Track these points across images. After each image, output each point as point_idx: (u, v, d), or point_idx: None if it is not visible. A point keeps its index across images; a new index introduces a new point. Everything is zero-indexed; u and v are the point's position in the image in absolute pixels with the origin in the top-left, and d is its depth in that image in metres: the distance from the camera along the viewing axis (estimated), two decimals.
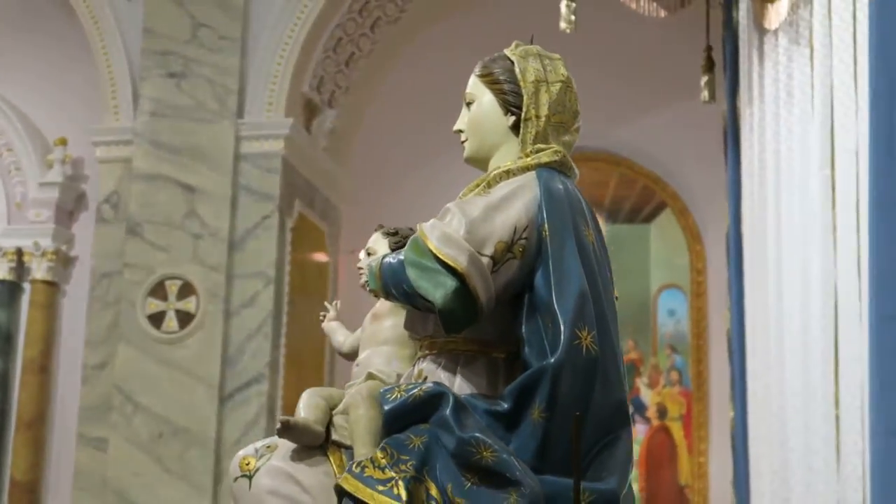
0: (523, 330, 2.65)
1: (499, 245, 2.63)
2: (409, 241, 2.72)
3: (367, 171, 9.34)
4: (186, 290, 7.70)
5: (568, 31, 5.72)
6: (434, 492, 2.56)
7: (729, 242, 6.28)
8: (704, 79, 6.36)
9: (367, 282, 2.91)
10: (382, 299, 2.98)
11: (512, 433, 2.60)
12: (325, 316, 3.35)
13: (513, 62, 2.84)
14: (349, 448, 2.83)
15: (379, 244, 3.14)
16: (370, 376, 2.94)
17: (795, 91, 5.22)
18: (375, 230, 3.23)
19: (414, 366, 2.82)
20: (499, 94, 2.83)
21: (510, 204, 2.68)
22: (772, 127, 5.48)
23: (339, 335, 3.26)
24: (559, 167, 2.78)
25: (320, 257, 8.72)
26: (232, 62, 7.92)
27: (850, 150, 4.59)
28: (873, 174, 4.24)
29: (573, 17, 5.76)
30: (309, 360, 8.37)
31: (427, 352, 2.77)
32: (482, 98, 2.86)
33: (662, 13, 6.34)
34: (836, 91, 4.72)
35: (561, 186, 2.73)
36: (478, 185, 2.80)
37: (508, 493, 2.52)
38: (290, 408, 8.22)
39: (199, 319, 7.65)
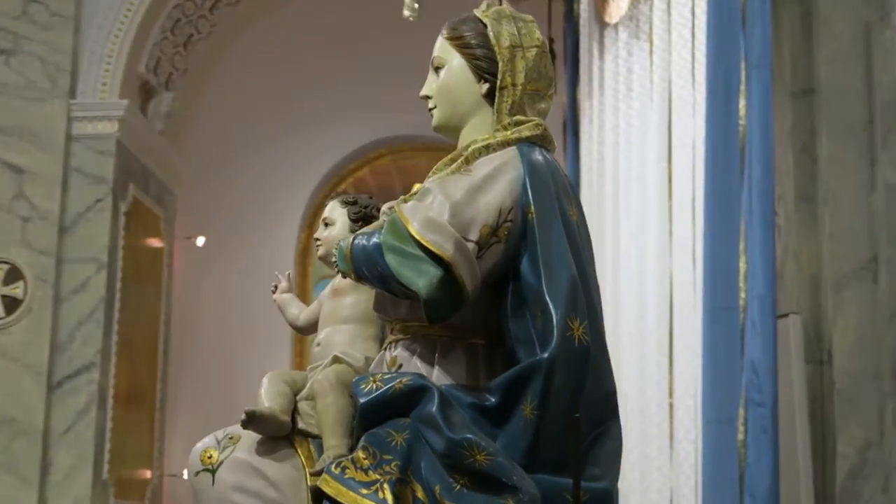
0: (509, 321, 2.49)
1: (483, 229, 2.45)
2: (387, 224, 2.50)
3: (205, 156, 9.19)
4: (14, 274, 7.46)
5: (411, 19, 5.71)
6: (420, 494, 2.40)
7: None
8: None
9: (335, 262, 2.67)
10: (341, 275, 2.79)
11: (500, 429, 2.44)
12: (275, 287, 3.12)
13: (485, 25, 2.66)
14: (317, 437, 2.67)
15: (336, 213, 2.95)
16: (336, 360, 2.75)
17: (635, 85, 5.32)
18: (331, 198, 3.03)
19: (385, 350, 2.65)
20: (471, 59, 2.65)
21: (493, 184, 2.49)
22: (611, 120, 5.58)
23: (293, 308, 3.05)
24: (540, 141, 2.61)
25: (155, 243, 8.55)
26: (64, 40, 7.69)
27: (688, 144, 4.71)
28: (710, 168, 4.37)
29: (416, 6, 5.74)
30: (142, 347, 8.21)
31: (400, 336, 2.61)
32: (452, 62, 2.67)
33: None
34: (675, 86, 4.83)
35: (544, 163, 2.56)
36: (453, 161, 2.60)
37: (504, 499, 2.35)
38: (122, 396, 8.03)
39: (26, 305, 7.42)
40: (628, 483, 5.15)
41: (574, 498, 2.30)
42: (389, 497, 2.33)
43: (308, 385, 2.73)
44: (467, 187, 2.47)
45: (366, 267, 2.51)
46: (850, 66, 5.29)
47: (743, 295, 4.28)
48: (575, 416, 2.34)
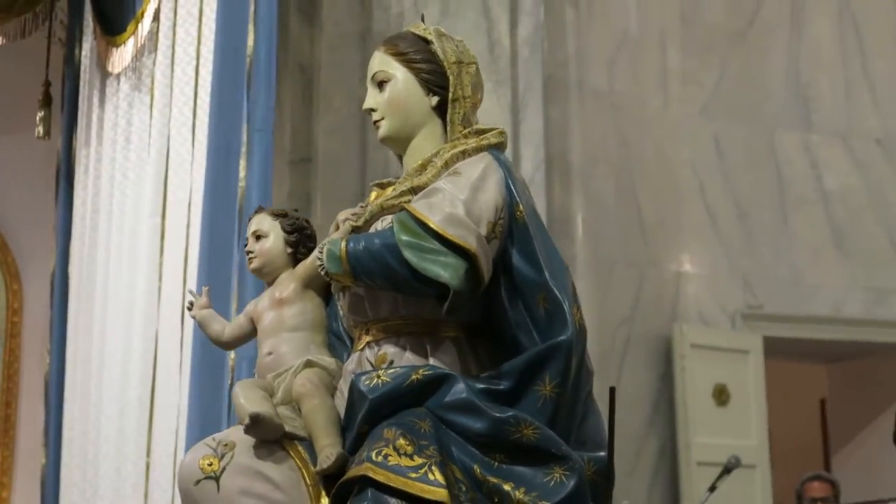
0: (508, 311, 2.62)
1: (488, 226, 2.59)
2: (396, 224, 2.57)
3: None
4: None
5: None
6: (459, 474, 2.48)
7: (54, 283, 6.14)
8: (40, 114, 6.20)
9: (321, 265, 2.66)
10: (282, 285, 2.85)
11: (512, 410, 2.56)
12: (191, 304, 3.06)
13: (428, 42, 2.77)
14: (304, 439, 2.66)
15: (267, 225, 2.92)
16: (309, 364, 2.74)
17: (133, 137, 5.27)
18: (256, 212, 3.02)
19: (360, 351, 2.70)
20: (418, 73, 2.76)
21: (486, 184, 2.63)
22: (108, 170, 5.48)
23: (216, 324, 3.00)
24: (503, 147, 2.78)
25: None
26: None
27: (183, 201, 4.70)
28: (206, 227, 4.39)
29: None
30: None
31: (381, 335, 2.68)
32: (398, 77, 2.77)
33: (0, 40, 6.13)
34: (174, 141, 4.83)
35: (512, 166, 2.74)
36: (424, 167, 2.72)
37: (550, 469, 2.50)
38: None
39: None
40: None
41: (609, 464, 2.57)
42: (440, 477, 2.41)
43: (281, 390, 2.73)
44: (469, 187, 2.61)
45: (373, 267, 2.58)
46: (348, 139, 5.55)
47: (233, 356, 4.30)
48: (612, 387, 2.58)
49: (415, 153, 2.79)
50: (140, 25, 5.21)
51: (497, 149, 2.76)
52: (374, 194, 2.91)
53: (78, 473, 5.48)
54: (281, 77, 5.59)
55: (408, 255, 2.54)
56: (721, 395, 7.28)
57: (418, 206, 2.60)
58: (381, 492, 2.43)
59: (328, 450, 2.59)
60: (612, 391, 2.57)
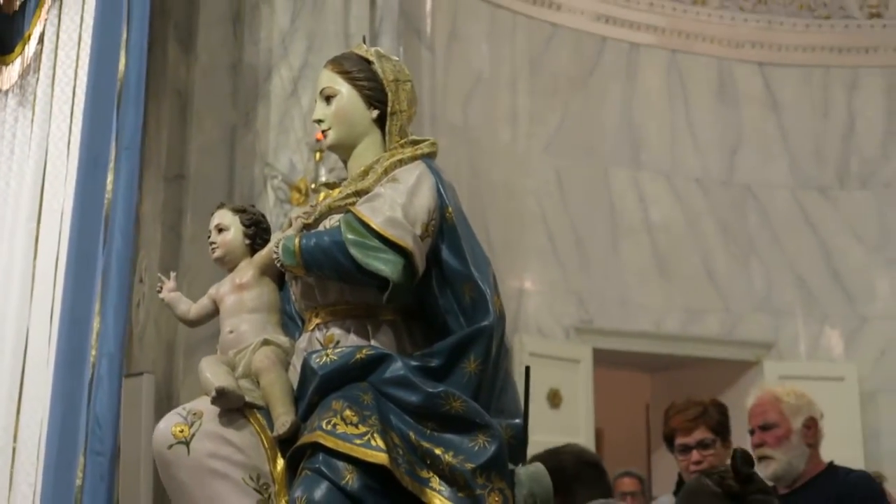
0: (438, 298, 2.72)
1: (422, 227, 2.68)
2: (343, 224, 2.68)
3: None
4: None
5: None
6: (397, 440, 2.57)
7: None
8: None
9: (277, 258, 2.77)
10: (242, 271, 2.92)
11: (441, 384, 2.64)
12: (161, 286, 3.12)
13: (369, 62, 2.85)
14: (262, 408, 2.73)
15: (228, 219, 3.00)
16: (266, 342, 2.82)
17: (17, 149, 5.09)
18: (218, 207, 3.08)
19: (311, 332, 2.79)
20: (361, 90, 2.83)
21: (420, 189, 2.72)
22: None
23: (183, 305, 3.05)
24: (433, 156, 2.84)
25: None
26: None
27: (57, 210, 4.59)
28: (75, 234, 4.28)
29: None
30: None
31: (328, 318, 2.77)
32: (343, 92, 2.84)
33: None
34: (51, 155, 4.71)
35: (442, 173, 2.81)
36: (366, 173, 2.79)
37: (475, 435, 2.58)
38: None
39: None
40: None
41: (524, 429, 2.69)
42: (381, 443, 2.51)
43: (242, 365, 2.80)
44: (406, 192, 2.69)
45: (323, 260, 2.68)
46: (217, 159, 5.47)
47: (94, 352, 4.18)
48: (527, 366, 2.71)
49: (358, 159, 2.86)
50: (26, 47, 5.06)
51: (429, 157, 2.84)
52: (322, 195, 2.98)
53: None
54: (158, 100, 5.49)
55: (353, 251, 2.64)
56: (555, 399, 7.33)
57: (362, 208, 2.69)
58: (331, 456, 2.53)
59: (283, 417, 2.66)
60: (528, 370, 2.71)
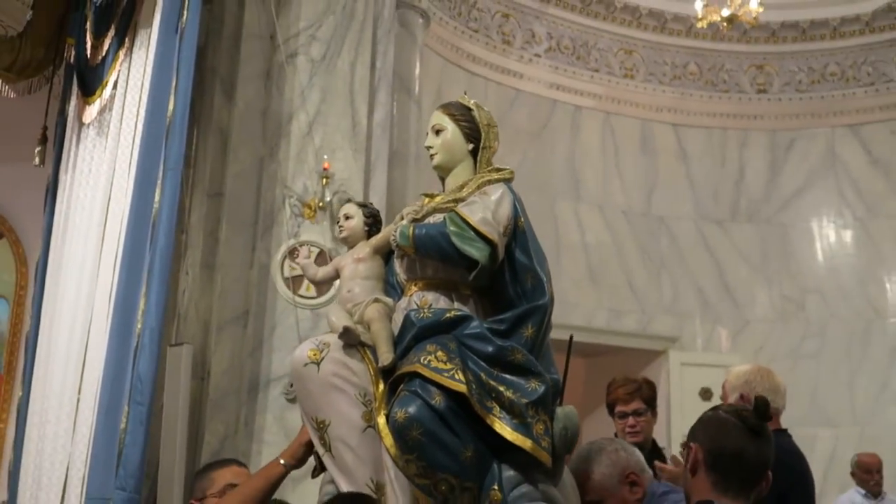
0: (508, 284, 2.78)
1: (504, 228, 2.77)
2: (448, 221, 2.77)
3: None
4: None
5: None
6: (472, 378, 2.62)
7: (38, 268, 5.85)
8: (39, 149, 5.93)
9: (394, 239, 2.85)
10: (360, 248, 3.01)
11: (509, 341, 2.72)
12: (298, 254, 3.27)
13: (469, 108, 2.98)
14: (370, 346, 2.81)
15: (353, 210, 3.10)
16: (376, 300, 2.89)
17: (94, 168, 5.06)
18: (348, 202, 3.24)
19: (410, 296, 2.85)
20: (463, 128, 2.95)
21: (503, 203, 2.82)
22: (77, 191, 5.24)
23: (312, 269, 3.17)
24: (511, 180, 2.94)
25: None
26: None
27: (119, 215, 4.54)
28: (130, 235, 4.24)
29: None
30: None
31: (424, 288, 2.84)
32: (449, 128, 2.96)
33: (13, 94, 5.85)
34: (117, 174, 4.66)
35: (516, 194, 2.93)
36: (461, 188, 2.89)
37: (529, 380, 2.65)
38: None
39: None
40: (41, 459, 4.75)
41: (563, 384, 2.76)
42: (462, 377, 2.58)
43: (357, 315, 2.86)
44: (493, 203, 2.80)
45: (430, 245, 2.77)
46: (248, 182, 5.38)
47: (139, 326, 4.12)
48: (571, 335, 2.86)
49: (455, 178, 2.96)
50: (104, 90, 5.02)
51: (509, 181, 2.94)
52: (425, 199, 3.04)
53: (39, 403, 5.18)
54: (206, 136, 5.42)
55: (455, 239, 2.75)
56: None
57: (463, 210, 2.80)
58: (426, 382, 2.59)
59: (386, 354, 2.74)
60: (571, 337, 2.87)
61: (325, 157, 5.33)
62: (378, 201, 5.49)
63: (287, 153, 5.34)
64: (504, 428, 2.60)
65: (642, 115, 8.15)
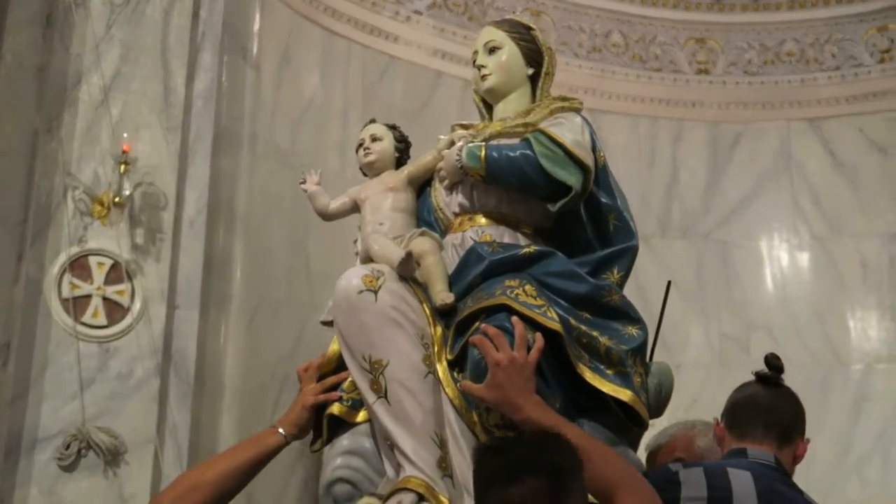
0: (587, 225, 3.14)
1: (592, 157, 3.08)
2: (534, 140, 3.05)
3: None
4: None
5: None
6: (558, 318, 2.84)
7: None
8: None
9: (458, 160, 3.10)
10: (392, 176, 3.28)
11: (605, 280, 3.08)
12: (304, 180, 3.45)
13: (529, 28, 3.33)
14: (420, 284, 3.03)
15: (382, 132, 3.38)
16: (424, 233, 3.11)
17: None
18: (371, 122, 3.46)
19: (463, 232, 3.14)
20: (524, 48, 3.28)
21: (585, 131, 3.12)
22: None
23: (323, 199, 3.37)
24: (581, 110, 3.26)
25: None
26: None
27: None
28: None
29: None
30: None
31: (483, 222, 3.13)
32: (508, 47, 3.28)
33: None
34: None
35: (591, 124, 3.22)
36: (528, 113, 3.22)
37: (626, 325, 2.97)
38: None
39: None
40: None
41: (656, 332, 3.33)
42: (554, 315, 2.83)
43: (407, 249, 3.05)
44: (576, 128, 3.11)
45: (508, 168, 3.04)
46: (15, 165, 5.22)
47: None
48: (669, 281, 3.45)
49: (509, 104, 3.27)
50: None
51: (580, 112, 3.24)
52: (460, 129, 3.30)
53: None
54: None
55: (544, 162, 3.01)
56: None
57: (554, 130, 3.08)
58: (512, 314, 2.80)
59: (443, 293, 2.99)
60: (669, 284, 3.42)
61: (126, 135, 5.26)
62: (198, 198, 5.41)
63: (72, 128, 5.26)
64: (596, 377, 2.87)
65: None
